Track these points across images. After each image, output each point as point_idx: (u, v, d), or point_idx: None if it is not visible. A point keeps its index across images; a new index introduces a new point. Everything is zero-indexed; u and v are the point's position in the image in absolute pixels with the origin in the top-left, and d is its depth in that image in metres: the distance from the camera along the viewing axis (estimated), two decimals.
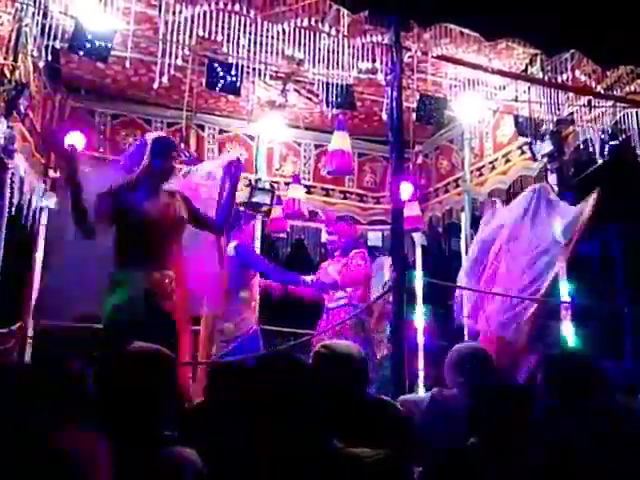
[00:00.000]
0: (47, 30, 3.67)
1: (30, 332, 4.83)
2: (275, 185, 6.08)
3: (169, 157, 3.19)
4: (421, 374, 5.33)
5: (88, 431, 0.82)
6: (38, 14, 3.66)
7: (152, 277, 3.03)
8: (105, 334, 2.96)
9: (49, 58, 3.82)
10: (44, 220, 5.11)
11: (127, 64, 4.08)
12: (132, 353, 1.61)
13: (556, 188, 4.86)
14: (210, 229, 3.40)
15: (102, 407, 1.44)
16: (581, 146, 4.78)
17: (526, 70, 4.88)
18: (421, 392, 4.84)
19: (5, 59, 3.74)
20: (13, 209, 4.45)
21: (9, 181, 4.28)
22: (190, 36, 3.83)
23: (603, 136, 4.70)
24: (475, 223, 5.78)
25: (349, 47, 4.23)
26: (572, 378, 2.09)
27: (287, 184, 6.11)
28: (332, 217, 5.36)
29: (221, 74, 4.03)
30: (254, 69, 4.11)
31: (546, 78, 4.72)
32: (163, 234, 3.10)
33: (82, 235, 2.97)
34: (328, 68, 4.23)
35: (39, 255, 5.10)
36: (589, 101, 4.77)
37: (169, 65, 3.85)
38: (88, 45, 3.66)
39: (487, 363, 2.78)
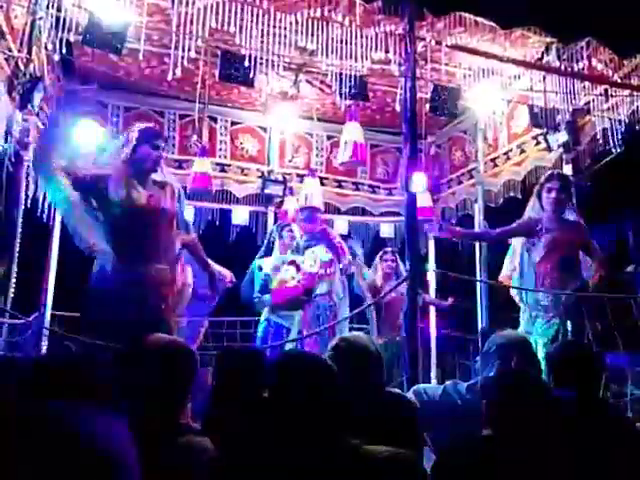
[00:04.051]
0: (61, 23, 3.68)
1: (46, 323, 4.89)
2: (287, 177, 6.08)
3: (155, 145, 3.05)
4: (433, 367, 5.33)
5: (117, 417, 0.83)
6: (52, 7, 3.68)
7: (146, 271, 2.88)
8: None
9: (63, 51, 3.83)
10: (59, 212, 5.14)
11: (140, 56, 4.09)
12: (154, 343, 1.62)
13: (571, 179, 4.81)
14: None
15: (123, 395, 1.45)
16: (597, 136, 4.72)
17: (541, 59, 4.80)
18: (433, 383, 4.84)
19: (19, 52, 3.76)
20: (28, 201, 4.49)
21: (24, 173, 4.32)
22: (203, 28, 3.83)
23: (619, 126, 4.63)
24: (489, 215, 5.74)
25: (362, 37, 4.19)
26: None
27: (299, 175, 6.10)
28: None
29: (234, 66, 4.02)
30: (267, 60, 4.10)
31: (562, 67, 4.65)
32: (151, 226, 2.93)
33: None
34: (341, 59, 4.20)
35: (55, 247, 5.14)
36: (605, 90, 4.70)
37: (182, 57, 3.84)
38: (102, 38, 3.67)
39: (530, 352, 2.48)
